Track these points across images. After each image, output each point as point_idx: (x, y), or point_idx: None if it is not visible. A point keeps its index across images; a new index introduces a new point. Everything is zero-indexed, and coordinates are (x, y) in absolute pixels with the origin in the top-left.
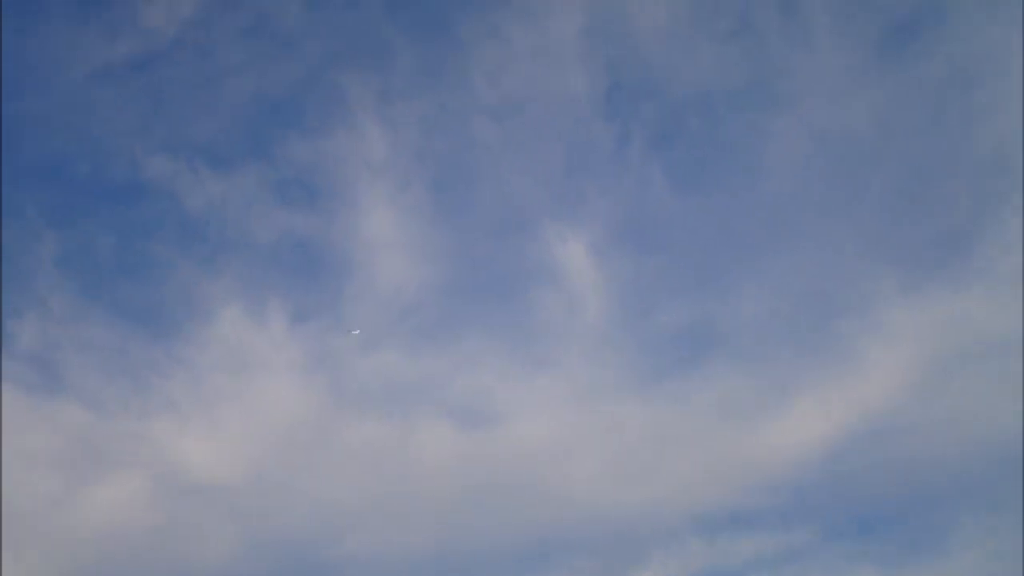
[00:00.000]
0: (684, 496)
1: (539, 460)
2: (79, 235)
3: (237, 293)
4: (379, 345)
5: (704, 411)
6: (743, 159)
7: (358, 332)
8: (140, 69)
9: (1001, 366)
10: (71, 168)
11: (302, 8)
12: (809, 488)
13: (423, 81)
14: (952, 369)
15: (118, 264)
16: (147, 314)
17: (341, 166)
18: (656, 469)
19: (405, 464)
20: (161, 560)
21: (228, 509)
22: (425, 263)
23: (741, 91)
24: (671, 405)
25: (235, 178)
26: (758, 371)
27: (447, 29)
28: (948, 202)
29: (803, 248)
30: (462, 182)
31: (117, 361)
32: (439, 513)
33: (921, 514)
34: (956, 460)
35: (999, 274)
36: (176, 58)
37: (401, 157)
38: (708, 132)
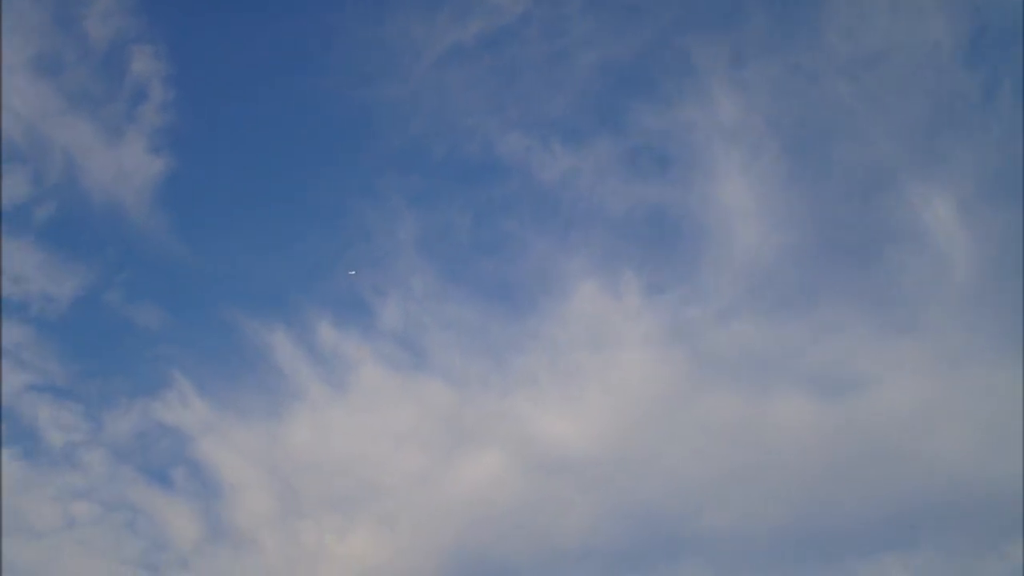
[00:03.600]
0: None
1: (903, 429)
2: (437, 216)
3: (592, 267)
4: (736, 315)
5: None
6: None
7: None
8: (490, 47)
9: None
10: (428, 150)
11: None
12: None
13: (774, 41)
14: None
15: (475, 243)
16: (504, 291)
17: (692, 133)
18: None
19: (763, 436)
20: (524, 532)
21: (587, 482)
22: (781, 229)
23: None
24: None
25: (586, 151)
26: None
27: None
28: None
29: None
30: (817, 144)
31: (478, 339)
32: (798, 486)
33: None
34: None
35: None
36: (525, 34)
37: (753, 121)
38: None
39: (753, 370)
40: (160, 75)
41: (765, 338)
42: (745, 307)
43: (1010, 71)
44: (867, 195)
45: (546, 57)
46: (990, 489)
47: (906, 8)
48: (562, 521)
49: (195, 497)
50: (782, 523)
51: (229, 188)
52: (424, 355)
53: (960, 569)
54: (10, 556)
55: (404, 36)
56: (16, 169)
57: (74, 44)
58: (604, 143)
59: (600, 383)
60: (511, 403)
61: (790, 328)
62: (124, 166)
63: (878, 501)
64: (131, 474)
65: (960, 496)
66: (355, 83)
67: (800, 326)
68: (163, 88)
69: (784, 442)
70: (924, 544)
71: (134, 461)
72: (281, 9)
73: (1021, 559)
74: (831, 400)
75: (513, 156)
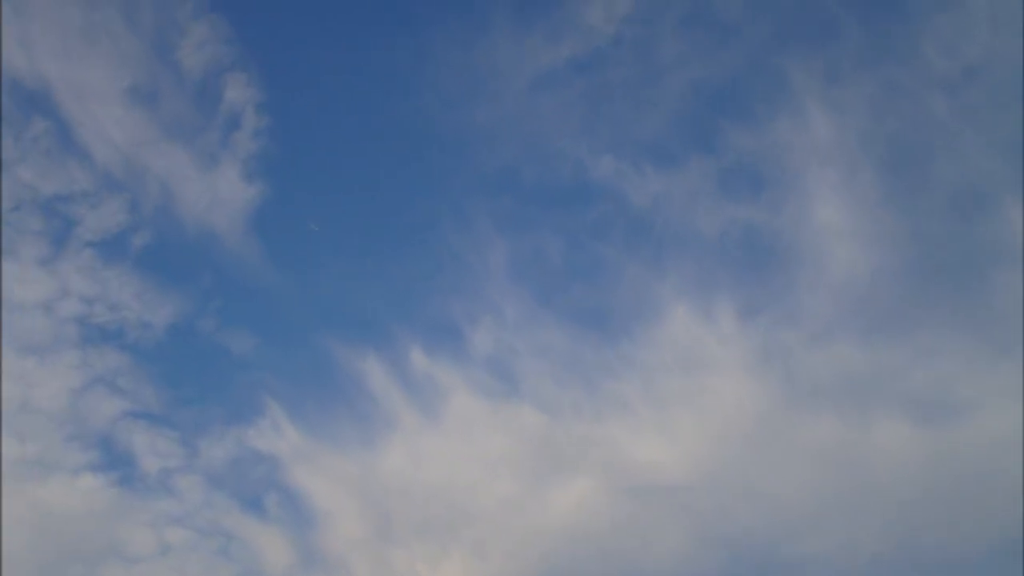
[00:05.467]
0: None
1: (1006, 456)
2: (528, 241)
3: (685, 290)
4: (832, 337)
5: None
6: None
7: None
8: (582, 70)
9: None
10: (518, 174)
11: None
12: None
13: (870, 57)
14: None
15: (567, 267)
16: (597, 316)
17: (786, 153)
18: None
19: (860, 460)
20: (615, 557)
21: (681, 508)
22: (878, 249)
23: None
24: None
25: (679, 173)
26: None
27: None
28: None
29: None
30: (914, 162)
31: (570, 364)
32: (898, 513)
33: None
34: None
35: None
36: (617, 56)
37: (849, 139)
38: None
39: (850, 394)
40: (253, 102)
41: (862, 361)
42: (841, 329)
43: None
44: (966, 214)
45: (637, 79)
46: None
47: (1005, 20)
48: (653, 547)
49: (288, 524)
50: (881, 550)
51: (321, 214)
52: (516, 381)
53: None
54: None
55: (495, 60)
56: (113, 198)
57: (169, 73)
58: (696, 165)
59: (693, 408)
60: (603, 429)
61: (888, 351)
62: (218, 193)
63: (980, 529)
64: (225, 501)
65: None
66: (446, 107)
67: (898, 349)
68: (256, 115)
69: (882, 467)
70: None
71: (228, 488)
72: (372, 34)
73: None
74: (931, 425)
75: (604, 179)
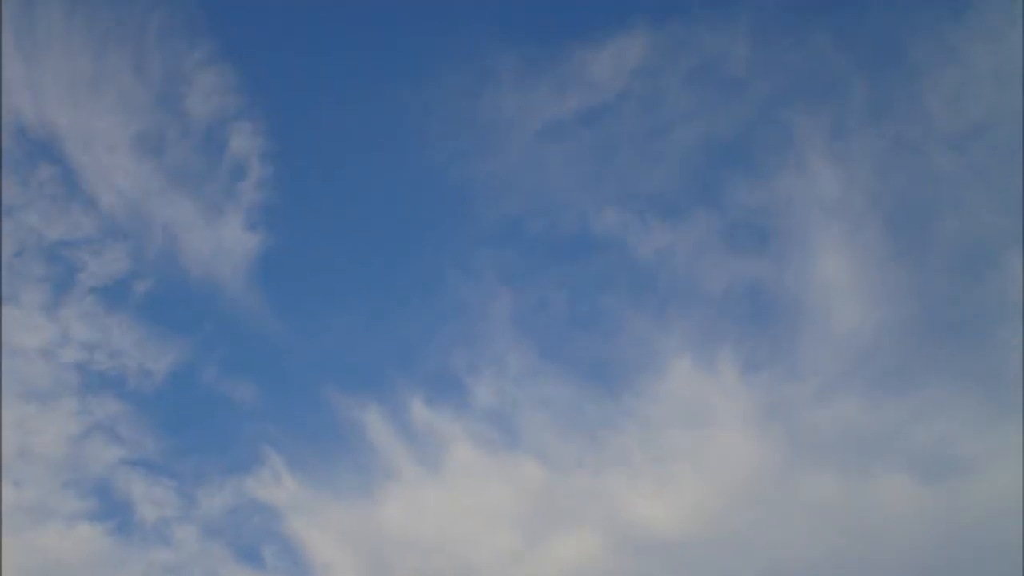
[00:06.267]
0: None
1: (1008, 516)
2: (533, 292)
3: (688, 343)
4: (835, 393)
5: None
6: None
7: None
8: (588, 123)
9: None
10: (524, 226)
11: (749, 47)
12: None
13: (876, 113)
14: None
15: (571, 319)
16: (599, 368)
17: (791, 208)
18: None
19: (863, 517)
20: None
21: (680, 563)
22: (882, 305)
23: None
24: None
25: (684, 226)
26: None
27: (901, 55)
28: None
29: None
30: (919, 217)
31: (572, 417)
32: (900, 569)
33: None
34: None
35: None
36: (623, 109)
37: (854, 195)
38: None
39: (852, 450)
40: (259, 152)
41: (865, 417)
42: (844, 385)
43: None
44: (971, 271)
45: (644, 132)
46: None
47: (1010, 77)
48: None
49: (285, 575)
50: None
51: (324, 264)
52: (517, 434)
53: None
54: None
55: (501, 111)
56: (117, 245)
57: (176, 121)
58: (702, 218)
59: (694, 462)
60: (604, 482)
61: (891, 407)
62: (222, 242)
63: None
64: (222, 551)
65: None
66: (452, 159)
67: (901, 405)
68: (261, 165)
69: (885, 524)
70: None
71: (225, 538)
72: (378, 85)
73: None
74: (934, 483)
75: (610, 232)
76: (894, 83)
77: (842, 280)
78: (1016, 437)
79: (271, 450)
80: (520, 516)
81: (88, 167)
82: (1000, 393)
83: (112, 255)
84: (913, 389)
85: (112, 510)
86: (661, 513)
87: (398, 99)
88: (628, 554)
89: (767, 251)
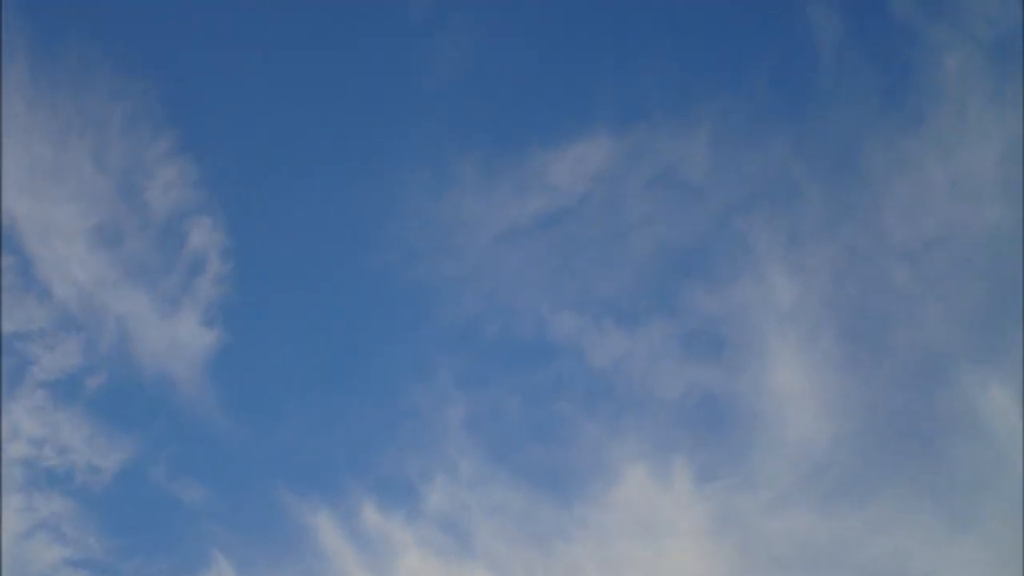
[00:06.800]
0: None
1: None
2: (487, 397)
3: (642, 452)
4: (788, 504)
5: None
6: None
7: None
8: (548, 226)
9: None
10: (480, 330)
11: (709, 154)
12: None
13: (832, 222)
14: None
15: (525, 425)
16: (553, 475)
17: (747, 316)
18: None
19: None
20: None
21: None
22: (836, 415)
23: None
24: None
25: (640, 332)
26: None
27: (857, 166)
28: None
29: None
30: (874, 328)
31: (524, 525)
32: None
33: None
34: None
35: None
36: (583, 213)
37: (809, 304)
38: None
39: (806, 562)
40: (218, 247)
41: (819, 529)
42: (799, 496)
43: None
44: (924, 382)
45: (604, 237)
46: None
47: (964, 193)
48: None
49: None
50: None
51: (279, 363)
52: (469, 540)
53: None
54: None
55: (461, 213)
56: (71, 338)
57: (135, 214)
58: (658, 325)
59: (647, 573)
60: None
61: (845, 519)
62: (177, 338)
63: None
64: None
65: None
66: (410, 259)
67: (856, 517)
68: (220, 261)
69: None
70: None
71: None
72: (340, 184)
73: None
74: None
75: (566, 337)
76: (851, 192)
77: (797, 389)
78: (970, 551)
79: (219, 553)
80: None
81: (44, 258)
82: (955, 506)
83: (65, 348)
84: (867, 501)
85: None
86: None
87: (360, 199)
88: None
89: (723, 359)
